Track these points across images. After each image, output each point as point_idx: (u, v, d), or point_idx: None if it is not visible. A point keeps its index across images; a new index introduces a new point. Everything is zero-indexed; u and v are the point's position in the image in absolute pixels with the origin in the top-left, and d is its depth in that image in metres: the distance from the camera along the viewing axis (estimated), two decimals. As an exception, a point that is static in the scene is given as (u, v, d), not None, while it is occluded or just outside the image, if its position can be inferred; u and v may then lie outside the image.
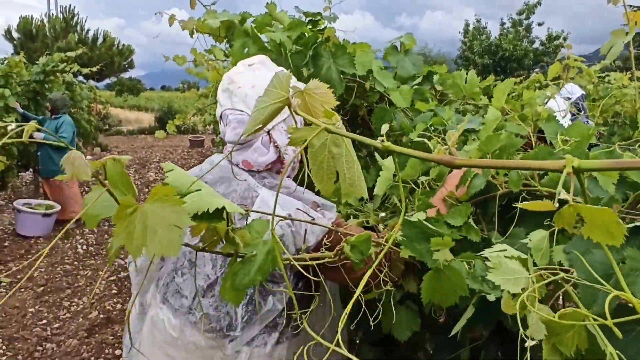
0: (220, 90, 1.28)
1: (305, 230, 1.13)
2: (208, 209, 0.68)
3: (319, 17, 1.71)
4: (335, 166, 0.60)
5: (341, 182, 0.63)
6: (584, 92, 3.86)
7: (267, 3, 1.85)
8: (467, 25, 25.33)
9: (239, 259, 0.78)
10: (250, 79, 1.23)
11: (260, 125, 0.62)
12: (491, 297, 0.81)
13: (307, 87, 0.61)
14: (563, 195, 0.44)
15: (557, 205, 0.47)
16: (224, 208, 0.70)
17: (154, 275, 1.34)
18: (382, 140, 0.54)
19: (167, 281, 1.27)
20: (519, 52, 22.56)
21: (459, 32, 25.72)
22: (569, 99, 4.51)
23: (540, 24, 23.73)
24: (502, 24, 24.68)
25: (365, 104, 1.85)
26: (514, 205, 0.99)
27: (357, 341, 2.10)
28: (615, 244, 0.49)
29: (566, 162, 0.44)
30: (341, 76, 1.61)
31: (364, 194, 0.64)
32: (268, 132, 1.23)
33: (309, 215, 1.15)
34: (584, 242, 0.87)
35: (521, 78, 5.33)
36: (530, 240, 0.84)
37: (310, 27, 1.74)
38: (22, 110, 6.12)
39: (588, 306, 0.76)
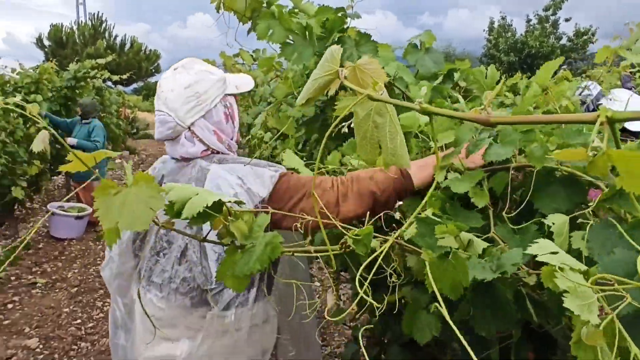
0: (155, 95, 1.45)
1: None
2: (207, 205, 0.74)
3: (342, 12, 1.73)
4: (378, 136, 0.63)
5: (383, 152, 0.65)
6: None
7: None
8: (492, 23, 25.02)
9: (238, 250, 0.81)
10: (171, 83, 1.38)
11: (311, 97, 0.65)
12: (487, 276, 0.82)
13: (359, 62, 0.64)
14: (597, 143, 0.45)
15: (590, 154, 0.47)
16: (220, 202, 0.76)
17: (133, 275, 1.49)
18: (420, 103, 0.56)
19: (150, 265, 1.42)
20: (546, 49, 22.18)
21: (484, 30, 25.43)
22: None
23: (567, 20, 23.31)
24: (528, 20, 24.31)
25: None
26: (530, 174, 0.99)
27: (386, 341, 2.11)
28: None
29: (600, 113, 0.45)
30: None
31: (406, 165, 0.67)
32: (189, 128, 1.38)
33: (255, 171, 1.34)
34: (604, 232, 0.87)
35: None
36: (553, 224, 0.84)
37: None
38: (44, 112, 6.26)
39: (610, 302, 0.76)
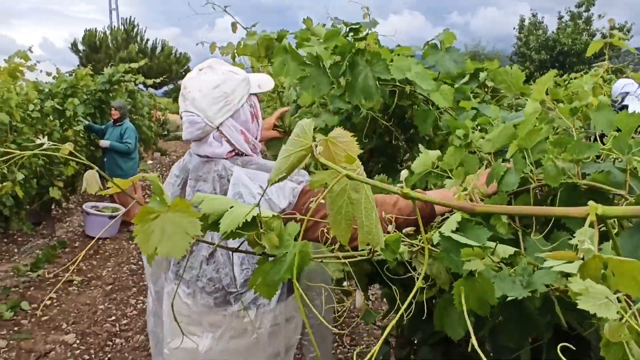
0: (180, 95, 1.46)
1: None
2: (246, 220, 0.75)
3: (358, 26, 1.74)
4: (353, 212, 0.63)
5: (359, 229, 0.65)
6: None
7: (304, 19, 1.90)
8: (522, 20, 24.58)
9: (270, 259, 0.83)
10: (197, 83, 1.39)
11: (284, 174, 0.65)
12: (517, 294, 0.83)
13: (330, 135, 0.63)
14: (587, 245, 0.44)
15: (581, 256, 0.47)
16: (256, 217, 0.77)
17: (164, 263, 1.55)
18: (401, 187, 0.57)
19: (177, 260, 1.48)
20: (579, 46, 21.66)
21: (514, 28, 24.99)
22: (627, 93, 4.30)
23: (601, 16, 22.70)
24: (560, 17, 23.79)
25: (411, 104, 1.87)
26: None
27: (416, 342, 2.11)
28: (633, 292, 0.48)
29: (590, 209, 0.44)
30: (377, 83, 1.62)
31: (380, 243, 0.67)
32: (218, 128, 1.40)
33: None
34: (631, 241, 0.86)
35: (581, 73, 5.15)
36: (579, 239, 0.84)
37: (353, 35, 1.76)
38: (87, 122, 6.46)
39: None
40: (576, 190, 1.09)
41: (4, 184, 3.98)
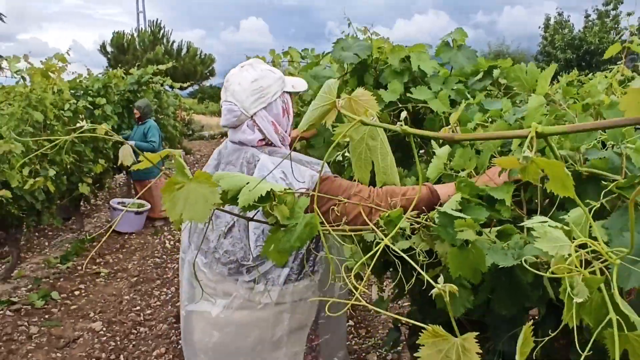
0: (222, 88, 1.62)
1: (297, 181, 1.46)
2: (262, 195, 0.86)
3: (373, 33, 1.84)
4: (371, 156, 0.72)
5: (376, 171, 0.75)
6: None
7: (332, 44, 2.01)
8: (547, 19, 24.23)
9: (282, 228, 0.93)
10: (238, 78, 1.57)
11: (311, 124, 0.75)
12: (507, 263, 0.90)
13: (353, 94, 0.73)
14: (527, 153, 0.54)
15: (523, 162, 0.56)
16: (271, 192, 0.87)
17: (194, 234, 1.69)
18: (401, 125, 0.66)
19: (198, 232, 1.64)
20: (606, 45, 21.23)
21: (539, 27, 24.65)
22: None
23: (629, 14, 22.21)
24: (587, 16, 23.38)
25: (423, 100, 1.95)
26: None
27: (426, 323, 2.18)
28: (569, 195, 0.57)
29: (531, 129, 0.54)
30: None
31: (396, 182, 0.76)
32: (252, 117, 1.56)
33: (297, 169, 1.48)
34: (621, 220, 0.93)
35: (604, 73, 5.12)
36: (569, 216, 0.91)
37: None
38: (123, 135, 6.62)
39: (622, 282, 0.83)
40: (578, 176, 1.16)
41: (37, 179, 4.19)
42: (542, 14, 33.17)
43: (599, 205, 0.97)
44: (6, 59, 4.34)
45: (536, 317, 1.39)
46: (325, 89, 0.73)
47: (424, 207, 1.36)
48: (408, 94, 1.78)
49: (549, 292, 1.17)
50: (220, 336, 1.58)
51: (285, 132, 1.65)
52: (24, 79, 4.39)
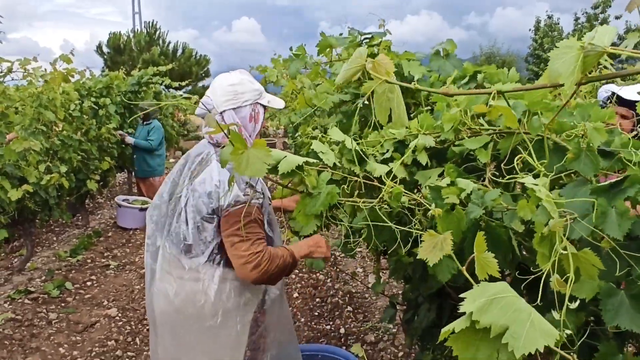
0: None
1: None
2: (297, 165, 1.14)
3: (371, 35, 2.11)
4: (389, 105, 1.01)
5: (393, 115, 1.04)
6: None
7: (321, 32, 2.27)
8: (538, 22, 24.67)
9: (308, 195, 1.21)
10: (221, 79, 1.85)
11: (346, 79, 1.04)
12: (477, 213, 1.18)
13: (376, 59, 1.02)
14: (492, 102, 0.82)
15: (489, 107, 0.83)
16: (301, 164, 1.16)
17: (159, 221, 1.91)
18: (415, 83, 0.94)
19: (169, 222, 1.86)
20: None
21: (530, 30, 25.10)
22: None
23: (617, 17, 22.70)
24: (576, 19, 23.83)
25: (414, 102, 2.23)
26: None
27: (417, 303, 2.47)
28: (514, 125, 0.84)
29: (494, 87, 0.83)
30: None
31: (405, 123, 1.05)
32: (220, 113, 1.78)
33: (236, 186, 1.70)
34: (573, 190, 1.21)
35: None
36: (535, 184, 1.19)
37: (367, 43, 2.13)
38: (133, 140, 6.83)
39: (569, 235, 1.11)
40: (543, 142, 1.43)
41: (52, 175, 4.44)
42: (534, 16, 33.67)
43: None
44: (17, 61, 4.58)
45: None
46: (357, 54, 1.02)
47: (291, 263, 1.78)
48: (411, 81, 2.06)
49: (518, 256, 1.45)
50: (174, 309, 1.82)
51: (250, 136, 1.86)
52: (33, 80, 4.63)
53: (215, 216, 1.72)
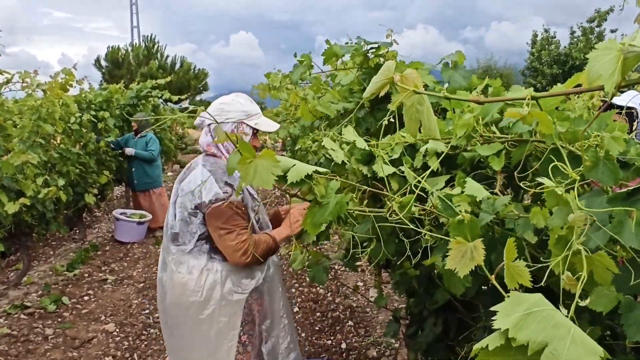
0: None
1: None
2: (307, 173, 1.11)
3: (377, 45, 2.09)
4: (419, 117, 0.98)
5: (423, 127, 1.00)
6: None
7: (326, 40, 2.25)
8: (535, 35, 24.87)
9: (317, 205, 1.17)
10: (219, 99, 2.13)
11: (374, 92, 1.02)
12: (487, 219, 1.14)
13: (404, 72, 0.99)
14: (526, 109, 0.79)
15: (524, 112, 0.80)
16: (311, 173, 1.12)
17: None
18: (444, 91, 0.91)
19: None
20: (591, 61, 21.80)
21: (527, 43, 25.28)
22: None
23: (613, 31, 22.88)
24: (572, 32, 24.03)
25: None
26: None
27: (423, 317, 2.42)
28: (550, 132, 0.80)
29: (528, 93, 0.80)
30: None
31: (436, 135, 1.01)
32: (208, 125, 2.07)
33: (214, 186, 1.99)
34: (589, 200, 1.17)
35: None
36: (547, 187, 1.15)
37: (374, 52, 2.11)
38: (110, 139, 6.79)
39: (586, 243, 1.07)
40: (560, 154, 1.40)
41: (50, 188, 4.39)
42: (529, 29, 33.96)
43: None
44: (17, 73, 4.56)
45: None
46: (385, 67, 0.99)
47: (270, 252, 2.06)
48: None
49: (531, 266, 1.41)
50: (170, 297, 2.08)
51: (228, 152, 2.10)
52: (33, 91, 4.61)
53: (198, 211, 1.99)
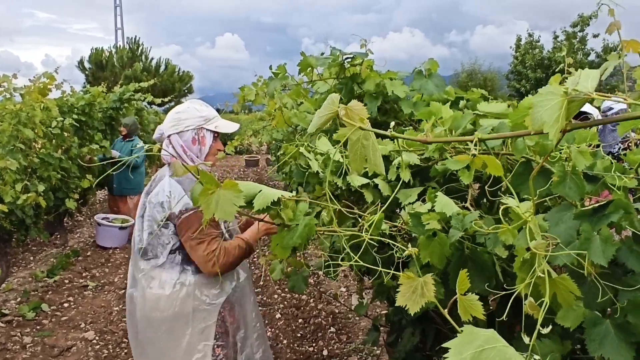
0: None
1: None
2: (272, 200, 1.10)
3: (352, 55, 2.10)
4: (365, 153, 0.97)
5: (368, 163, 0.99)
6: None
7: (301, 52, 2.25)
8: (518, 39, 25.15)
9: (285, 228, 1.17)
10: (175, 109, 2.11)
11: (319, 127, 1.00)
12: (457, 235, 1.15)
13: (349, 105, 0.98)
14: (473, 151, 0.80)
15: (471, 157, 0.81)
16: (279, 199, 1.12)
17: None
18: (391, 131, 0.91)
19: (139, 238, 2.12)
20: (574, 65, 22.13)
21: (511, 47, 25.56)
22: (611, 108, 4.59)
23: (595, 36, 23.23)
24: (555, 37, 24.35)
25: (397, 121, 2.21)
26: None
27: (401, 325, 2.43)
28: (499, 174, 0.82)
29: (475, 135, 0.80)
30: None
31: (382, 172, 1.01)
32: (168, 137, 2.03)
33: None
34: (557, 214, 1.19)
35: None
36: (516, 206, 1.17)
37: (349, 62, 2.12)
38: (100, 156, 6.71)
39: (552, 260, 1.09)
40: (531, 167, 1.41)
41: (29, 194, 4.33)
42: (514, 34, 34.27)
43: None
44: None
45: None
46: (329, 101, 0.98)
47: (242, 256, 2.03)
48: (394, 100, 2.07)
49: (502, 281, 1.42)
50: (141, 312, 2.06)
51: (197, 157, 2.08)
52: (11, 95, 4.54)
53: (169, 222, 1.97)
